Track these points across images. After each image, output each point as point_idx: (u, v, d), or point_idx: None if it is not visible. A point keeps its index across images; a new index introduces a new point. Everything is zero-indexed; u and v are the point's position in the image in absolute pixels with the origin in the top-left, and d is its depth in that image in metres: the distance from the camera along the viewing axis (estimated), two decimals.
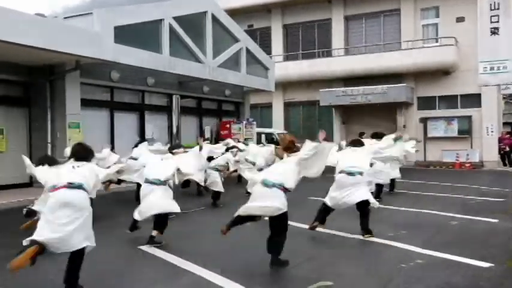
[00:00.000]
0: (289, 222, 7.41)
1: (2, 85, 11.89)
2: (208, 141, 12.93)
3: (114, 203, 10.15)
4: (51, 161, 5.37)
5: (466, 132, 20.38)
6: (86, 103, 12.80)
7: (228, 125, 18.24)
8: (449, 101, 20.99)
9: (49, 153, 12.13)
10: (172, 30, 13.97)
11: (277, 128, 22.60)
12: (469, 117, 20.31)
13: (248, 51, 17.85)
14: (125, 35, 12.19)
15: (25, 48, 9.81)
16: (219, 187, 9.60)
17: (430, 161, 20.97)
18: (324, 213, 6.85)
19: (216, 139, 18.33)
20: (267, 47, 23.27)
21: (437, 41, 20.97)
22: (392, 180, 11.10)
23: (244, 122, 18.44)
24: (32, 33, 9.67)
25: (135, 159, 8.95)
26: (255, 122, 18.92)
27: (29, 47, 9.78)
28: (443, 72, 20.62)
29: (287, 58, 24.52)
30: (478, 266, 5.13)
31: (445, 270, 5.03)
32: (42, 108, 12.28)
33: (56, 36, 10.22)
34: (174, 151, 7.08)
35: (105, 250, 6.07)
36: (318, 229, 6.85)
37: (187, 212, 7.78)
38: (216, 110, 19.13)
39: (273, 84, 19.86)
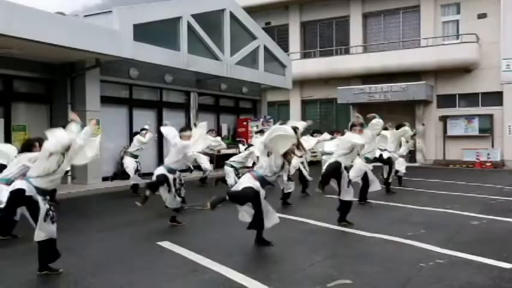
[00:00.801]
0: (308, 221, 7.49)
1: (25, 82, 12.12)
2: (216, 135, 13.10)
3: (126, 200, 10.27)
4: None
5: (487, 130, 20.00)
6: (105, 100, 12.97)
7: (245, 123, 18.26)
8: (470, 99, 20.63)
9: None
10: (190, 28, 14.04)
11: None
12: (491, 116, 19.93)
13: (266, 48, 17.83)
14: (144, 32, 12.29)
15: (46, 46, 9.97)
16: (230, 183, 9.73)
17: (449, 160, 20.66)
18: None
19: (233, 136, 18.41)
20: (284, 45, 23.20)
21: (457, 38, 20.63)
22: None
23: (262, 120, 18.45)
24: (53, 32, 9.83)
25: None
26: (272, 120, 18.90)
27: (51, 44, 9.94)
28: (464, 70, 20.27)
29: (304, 56, 24.42)
30: (500, 267, 5.04)
31: (466, 270, 4.95)
32: (63, 105, 12.47)
33: (77, 34, 10.37)
34: (181, 134, 7.26)
35: (123, 246, 6.17)
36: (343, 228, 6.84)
37: (204, 209, 7.80)
38: (234, 107, 19.17)
39: (290, 82, 19.81)
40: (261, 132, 11.98)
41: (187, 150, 7.35)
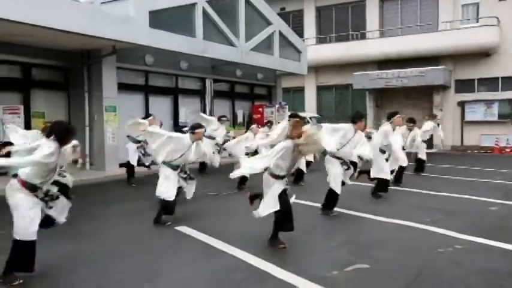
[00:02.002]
0: None
1: (43, 70, 12.25)
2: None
3: (143, 186, 10.39)
4: None
5: (506, 116, 19.64)
6: (121, 87, 13.04)
7: (260, 109, 18.23)
8: (489, 83, 20.24)
9: (87, 136, 12.53)
10: (205, 14, 13.97)
11: (310, 111, 22.43)
12: (510, 101, 19.55)
13: (281, 34, 17.67)
14: (160, 19, 12.28)
15: (63, 33, 10.02)
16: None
17: (467, 145, 20.39)
18: None
19: (249, 123, 18.40)
20: (299, 30, 22.97)
21: (477, 21, 20.17)
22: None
23: (277, 106, 18.38)
24: (69, 19, 9.87)
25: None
26: (287, 106, 18.82)
27: (67, 32, 9.99)
28: (483, 54, 19.86)
29: (320, 41, 24.16)
30: None
31: (484, 256, 4.92)
32: (80, 92, 12.60)
33: (93, 21, 10.40)
34: (195, 131, 6.74)
35: (141, 231, 6.26)
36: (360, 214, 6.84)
37: (218, 195, 7.89)
38: (249, 93, 19.12)
39: (305, 68, 19.65)
40: (269, 123, 11.78)
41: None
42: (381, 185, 8.44)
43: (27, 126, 11.64)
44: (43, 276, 4.40)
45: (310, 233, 6.00)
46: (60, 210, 4.65)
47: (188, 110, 15.83)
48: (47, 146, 4.27)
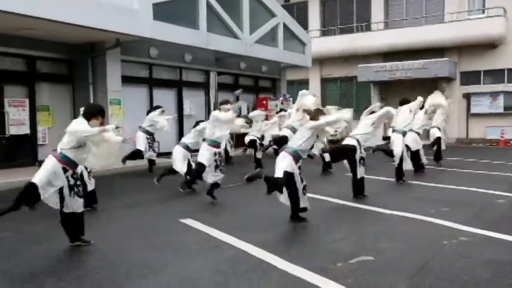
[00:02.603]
0: (329, 199, 7.50)
1: (47, 63, 12.27)
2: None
3: (148, 178, 10.44)
4: None
5: None
6: (125, 80, 13.05)
7: (264, 102, 18.19)
8: (495, 75, 20.09)
9: None
10: (209, 6, 13.93)
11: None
12: None
13: (285, 26, 17.60)
14: (163, 12, 12.25)
15: (67, 26, 10.02)
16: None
17: (472, 138, 20.29)
18: None
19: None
20: (303, 22, 22.83)
21: (483, 12, 19.99)
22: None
23: (281, 98, 18.34)
24: (73, 12, 9.85)
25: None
26: (291, 98, 18.78)
27: (71, 25, 9.99)
28: (489, 45, 19.70)
29: (324, 33, 24.03)
30: None
31: (490, 248, 4.91)
32: (85, 85, 12.61)
33: (97, 14, 10.38)
34: (221, 107, 7.45)
35: (146, 223, 6.29)
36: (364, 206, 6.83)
37: (224, 187, 7.90)
38: (253, 86, 19.09)
39: (309, 60, 19.58)
40: (282, 111, 12.21)
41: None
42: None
43: (32, 119, 11.70)
44: (50, 268, 4.44)
45: (315, 224, 6.00)
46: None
47: (192, 103, 15.84)
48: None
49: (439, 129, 12.13)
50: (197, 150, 7.90)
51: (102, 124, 5.12)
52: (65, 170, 4.87)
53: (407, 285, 3.91)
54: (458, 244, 5.05)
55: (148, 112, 11.43)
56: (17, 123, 11.47)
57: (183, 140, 9.04)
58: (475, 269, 4.24)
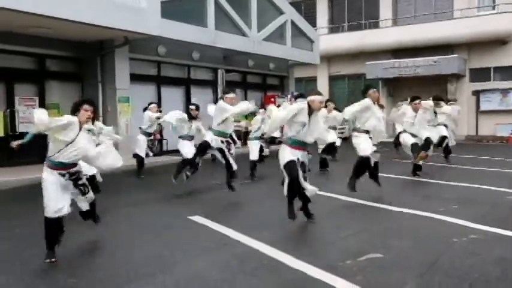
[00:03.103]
0: (338, 197, 7.48)
1: (57, 61, 12.37)
2: None
3: (153, 175, 10.48)
4: None
5: None
6: (134, 78, 13.11)
7: (272, 99, 18.17)
8: (506, 72, 19.89)
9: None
10: (217, 3, 13.94)
11: None
12: None
13: (293, 23, 17.56)
14: (171, 9, 12.29)
15: (76, 24, 10.09)
16: (254, 155, 9.71)
17: (482, 135, 20.12)
18: None
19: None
20: (311, 20, 22.77)
21: (493, 8, 19.78)
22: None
23: (289, 96, 18.28)
24: (82, 10, 9.91)
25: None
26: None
27: (80, 23, 10.05)
28: (499, 42, 19.51)
29: (332, 30, 23.94)
30: None
31: (500, 245, 4.87)
32: (94, 83, 12.70)
33: (106, 12, 10.44)
34: (225, 96, 7.38)
35: (154, 220, 6.32)
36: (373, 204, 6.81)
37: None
38: (261, 84, 19.08)
39: (318, 57, 19.53)
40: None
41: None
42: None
43: None
44: (61, 264, 4.48)
45: (324, 222, 5.99)
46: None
47: (200, 101, 15.83)
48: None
49: (446, 126, 11.54)
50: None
51: (91, 118, 4.97)
52: (62, 175, 4.68)
53: (416, 282, 3.89)
54: (468, 242, 5.01)
55: (145, 109, 10.65)
56: (27, 121, 11.55)
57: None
58: (485, 267, 4.22)
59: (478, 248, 4.80)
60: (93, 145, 5.09)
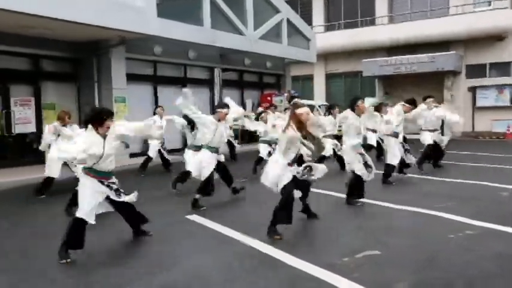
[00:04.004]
0: (334, 194, 7.50)
1: (52, 61, 12.33)
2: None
3: (152, 176, 10.47)
4: None
5: None
6: (130, 77, 13.09)
7: (269, 98, 18.18)
8: (501, 68, 19.95)
9: None
10: (213, 2, 13.92)
11: (319, 100, 22.33)
12: None
13: (289, 22, 17.56)
14: (167, 9, 12.26)
15: (71, 24, 10.05)
16: (263, 154, 9.70)
17: (478, 131, 20.19)
18: None
19: (258, 113, 18.36)
20: (308, 18, 22.79)
21: (489, 4, 19.83)
22: None
23: (286, 94, 18.30)
24: (78, 10, 9.88)
25: None
26: (296, 94, 18.74)
27: (76, 23, 10.02)
28: (495, 38, 19.56)
29: (328, 28, 23.96)
30: None
31: (497, 241, 4.89)
32: (90, 83, 12.67)
33: (102, 12, 10.41)
34: (217, 110, 7.09)
35: (153, 219, 6.30)
36: (370, 201, 6.83)
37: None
38: (258, 82, 19.08)
39: (314, 56, 19.53)
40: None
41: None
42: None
43: (38, 118, 11.77)
44: (61, 264, 4.48)
45: (321, 220, 6.00)
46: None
47: (197, 100, 15.82)
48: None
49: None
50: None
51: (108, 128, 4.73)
52: (101, 182, 4.76)
53: (413, 279, 3.92)
54: (465, 238, 5.04)
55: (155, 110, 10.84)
56: (23, 121, 11.54)
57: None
58: (482, 263, 4.24)
59: (475, 244, 4.82)
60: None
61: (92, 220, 4.64)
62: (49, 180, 8.04)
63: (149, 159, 10.55)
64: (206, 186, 6.87)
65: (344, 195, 7.01)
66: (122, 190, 4.94)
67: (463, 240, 4.95)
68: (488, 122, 19.94)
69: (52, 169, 7.93)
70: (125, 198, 4.90)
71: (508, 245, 4.77)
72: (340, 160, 10.46)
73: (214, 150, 6.99)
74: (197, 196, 6.80)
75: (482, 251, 4.56)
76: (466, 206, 6.54)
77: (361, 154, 6.81)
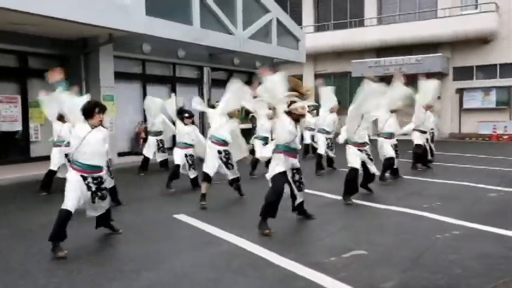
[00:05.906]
0: (323, 194, 7.52)
1: (39, 59, 12.16)
2: None
3: (141, 175, 10.41)
4: None
5: (504, 103, 19.68)
6: (118, 76, 12.95)
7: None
8: (488, 70, 20.20)
9: None
10: (202, 1, 13.86)
11: (308, 99, 22.35)
12: (509, 88, 19.55)
13: (278, 22, 17.55)
14: (156, 7, 12.16)
15: (59, 21, 9.92)
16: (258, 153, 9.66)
17: (465, 133, 20.40)
18: None
19: (247, 111, 18.33)
20: (297, 18, 22.81)
21: (476, 8, 20.06)
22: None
23: None
24: (65, 7, 9.76)
25: None
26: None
27: (63, 20, 9.90)
28: (481, 41, 19.79)
29: (318, 29, 24.03)
30: None
31: (482, 241, 4.94)
32: (78, 81, 12.47)
33: (89, 9, 10.29)
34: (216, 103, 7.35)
35: (139, 219, 6.27)
36: (358, 201, 6.86)
37: (220, 183, 7.88)
38: (247, 82, 19.00)
39: (303, 56, 19.55)
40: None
41: None
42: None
43: (25, 116, 11.63)
44: (44, 264, 4.42)
45: (309, 220, 6.01)
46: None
47: (186, 99, 15.76)
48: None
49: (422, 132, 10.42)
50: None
51: (100, 121, 4.96)
52: (84, 178, 4.81)
53: (400, 278, 3.93)
54: (451, 238, 5.08)
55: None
56: (9, 119, 11.39)
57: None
58: (467, 262, 4.28)
59: (460, 244, 4.86)
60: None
61: (72, 209, 4.69)
62: (50, 173, 8.19)
63: (147, 159, 10.63)
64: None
65: (332, 196, 7.05)
66: (101, 193, 4.94)
67: (449, 240, 4.99)
68: (474, 123, 20.16)
69: (53, 162, 8.19)
70: (100, 204, 4.99)
71: (491, 244, 4.82)
72: (329, 159, 10.54)
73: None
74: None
75: (467, 251, 4.60)
76: (452, 206, 6.61)
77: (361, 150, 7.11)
